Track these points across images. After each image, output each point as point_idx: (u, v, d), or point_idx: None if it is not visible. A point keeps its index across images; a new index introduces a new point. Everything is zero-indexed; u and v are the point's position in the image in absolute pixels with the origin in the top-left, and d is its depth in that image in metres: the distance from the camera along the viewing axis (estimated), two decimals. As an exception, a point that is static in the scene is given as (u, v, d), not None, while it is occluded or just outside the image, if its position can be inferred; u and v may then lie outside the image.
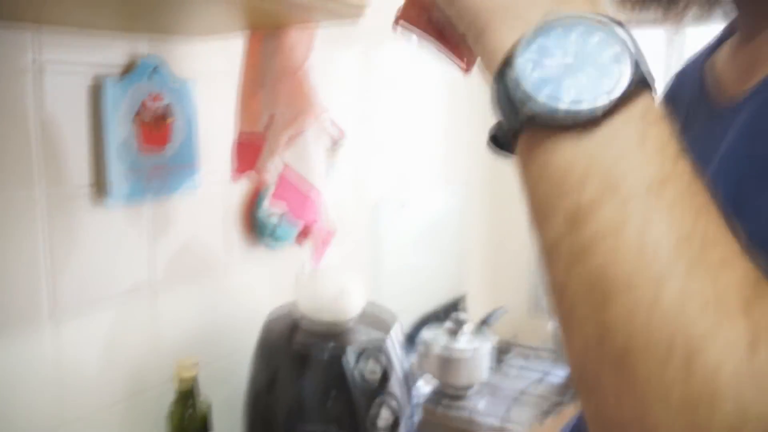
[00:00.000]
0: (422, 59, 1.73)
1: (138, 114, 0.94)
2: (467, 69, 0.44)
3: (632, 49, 0.28)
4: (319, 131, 0.97)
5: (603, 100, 0.28)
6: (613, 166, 0.27)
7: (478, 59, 0.34)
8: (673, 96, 0.56)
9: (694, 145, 0.44)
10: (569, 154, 0.28)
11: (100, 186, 0.91)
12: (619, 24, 0.29)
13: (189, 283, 1.06)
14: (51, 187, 0.85)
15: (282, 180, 0.93)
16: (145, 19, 0.83)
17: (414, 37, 0.43)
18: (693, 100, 0.49)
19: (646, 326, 0.25)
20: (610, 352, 0.26)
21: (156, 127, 0.95)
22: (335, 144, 1.12)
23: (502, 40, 0.31)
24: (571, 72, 0.28)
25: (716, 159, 0.40)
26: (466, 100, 2.01)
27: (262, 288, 1.20)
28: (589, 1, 0.31)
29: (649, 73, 0.29)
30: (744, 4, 0.44)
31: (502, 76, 0.30)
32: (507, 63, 0.30)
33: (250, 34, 0.98)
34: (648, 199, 0.27)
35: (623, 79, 0.28)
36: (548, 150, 0.29)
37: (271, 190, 0.96)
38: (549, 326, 1.77)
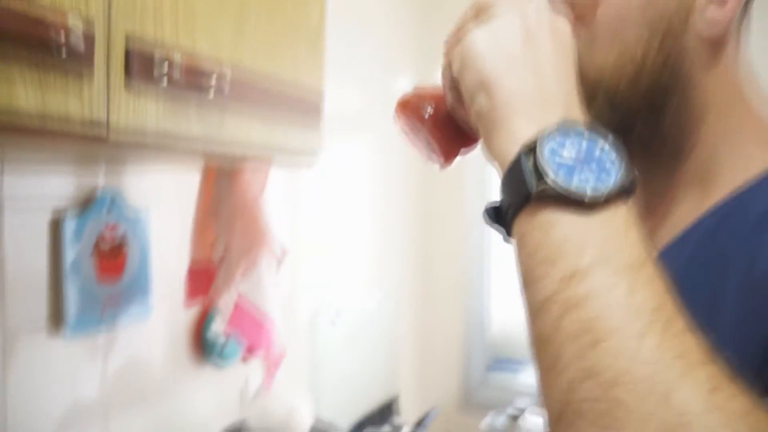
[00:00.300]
0: (354, 170, 1.85)
1: (95, 246, 0.97)
2: (446, 163, 0.50)
3: (622, 158, 0.38)
4: (271, 259, 1.03)
5: (603, 190, 0.36)
6: (606, 242, 0.35)
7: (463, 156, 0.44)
8: None
9: None
10: (571, 226, 0.36)
11: (57, 318, 0.92)
12: (613, 137, 0.38)
13: (140, 406, 1.07)
14: (7, 320, 0.86)
15: (237, 310, 0.98)
16: (102, 155, 0.88)
17: (414, 128, 0.49)
18: None
19: (631, 366, 0.31)
20: (596, 387, 0.32)
21: (112, 258, 0.98)
22: (279, 263, 1.18)
23: (521, 130, 0.39)
24: (581, 165, 0.37)
25: None
26: (395, 208, 2.13)
27: (211, 406, 1.21)
28: (585, 112, 0.41)
29: (632, 179, 0.38)
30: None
31: (524, 156, 0.38)
32: (531, 147, 0.37)
33: (206, 167, 1.05)
34: (633, 272, 0.34)
35: (617, 179, 0.37)
36: (553, 219, 0.36)
37: (224, 315, 1.00)
38: (481, 424, 1.83)
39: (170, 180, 1.11)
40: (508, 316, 2.40)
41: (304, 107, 0.84)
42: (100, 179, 1.00)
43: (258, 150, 0.78)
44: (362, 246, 1.91)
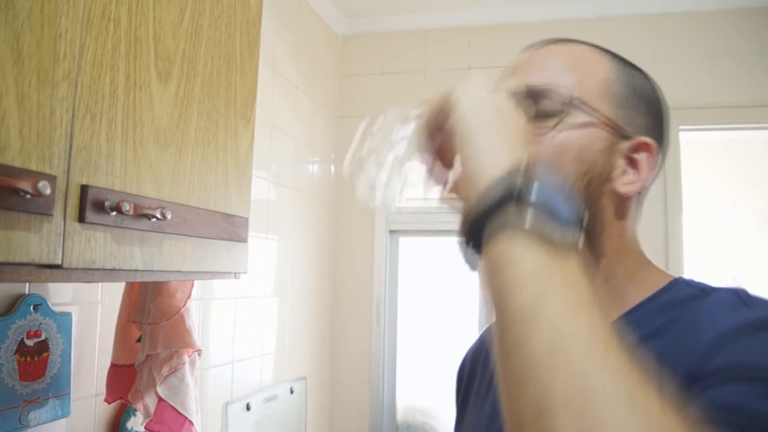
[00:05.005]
0: (264, 261, 1.94)
1: (17, 350, 1.01)
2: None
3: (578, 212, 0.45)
4: (191, 360, 1.11)
5: (569, 236, 0.43)
6: (568, 276, 0.42)
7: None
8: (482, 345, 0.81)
9: None
10: (543, 259, 0.42)
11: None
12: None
13: None
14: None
15: (159, 410, 1.04)
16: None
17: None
18: None
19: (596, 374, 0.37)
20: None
21: (33, 362, 1.03)
22: (194, 362, 1.25)
23: (507, 156, 0.47)
24: (555, 200, 0.44)
25: None
26: (304, 293, 2.23)
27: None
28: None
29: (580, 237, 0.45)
30: None
31: (514, 172, 0.45)
32: (521, 168, 0.45)
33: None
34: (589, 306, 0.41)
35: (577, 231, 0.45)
36: (527, 250, 0.42)
37: (148, 414, 1.06)
38: None
39: (95, 284, 1.17)
40: (412, 401, 2.51)
41: (233, 234, 0.96)
42: (25, 285, 1.05)
43: (191, 275, 0.88)
44: (272, 333, 1.99)
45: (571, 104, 0.61)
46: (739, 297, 0.55)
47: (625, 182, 0.63)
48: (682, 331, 0.55)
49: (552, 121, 0.61)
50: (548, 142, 0.61)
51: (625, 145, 0.63)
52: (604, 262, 0.64)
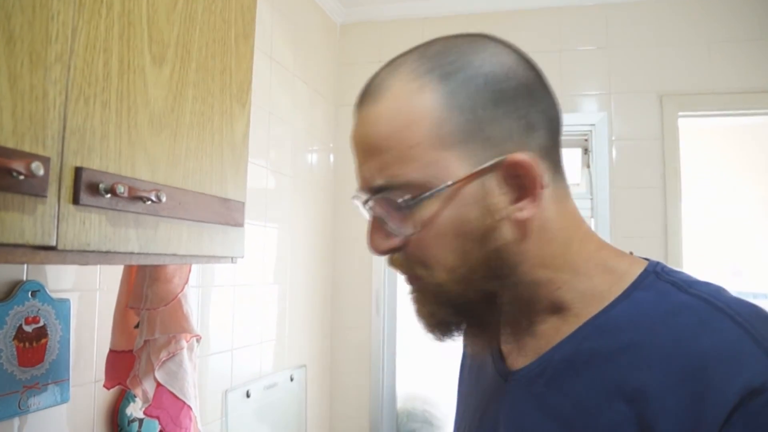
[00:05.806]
0: (263, 249, 1.94)
1: (15, 336, 1.02)
2: None
3: None
4: (189, 346, 1.11)
5: None
6: None
7: None
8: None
9: (481, 373, 0.66)
10: None
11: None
12: None
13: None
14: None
15: (158, 395, 1.04)
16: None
17: None
18: (491, 355, 0.70)
19: None
20: None
21: (34, 343, 1.03)
22: (195, 348, 1.25)
23: None
24: None
25: (505, 407, 0.62)
26: (302, 283, 2.23)
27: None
28: None
29: None
30: (503, 325, 0.64)
31: None
32: None
33: (127, 259, 1.12)
34: None
35: None
36: None
37: (146, 400, 1.07)
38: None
39: (93, 269, 1.18)
40: (411, 389, 2.51)
41: (229, 219, 0.96)
42: (23, 271, 1.06)
43: (187, 258, 0.88)
44: (272, 321, 1.99)
45: (420, 198, 0.55)
46: (734, 321, 0.50)
47: (518, 209, 0.56)
48: (666, 366, 0.51)
49: (421, 213, 0.56)
50: (426, 237, 0.56)
51: (497, 176, 0.55)
52: (546, 290, 0.59)
